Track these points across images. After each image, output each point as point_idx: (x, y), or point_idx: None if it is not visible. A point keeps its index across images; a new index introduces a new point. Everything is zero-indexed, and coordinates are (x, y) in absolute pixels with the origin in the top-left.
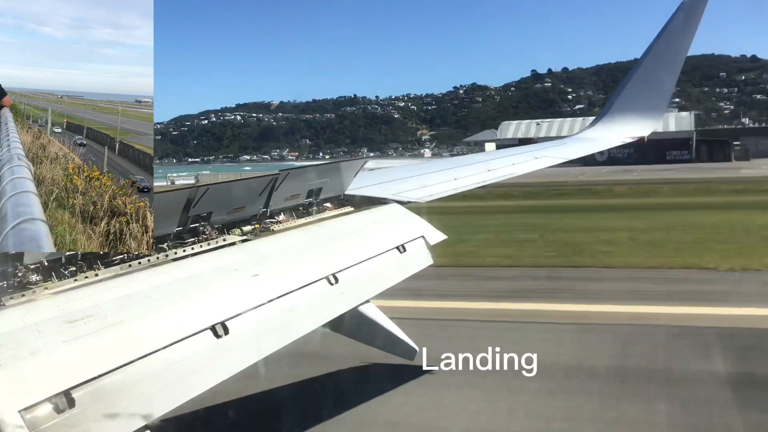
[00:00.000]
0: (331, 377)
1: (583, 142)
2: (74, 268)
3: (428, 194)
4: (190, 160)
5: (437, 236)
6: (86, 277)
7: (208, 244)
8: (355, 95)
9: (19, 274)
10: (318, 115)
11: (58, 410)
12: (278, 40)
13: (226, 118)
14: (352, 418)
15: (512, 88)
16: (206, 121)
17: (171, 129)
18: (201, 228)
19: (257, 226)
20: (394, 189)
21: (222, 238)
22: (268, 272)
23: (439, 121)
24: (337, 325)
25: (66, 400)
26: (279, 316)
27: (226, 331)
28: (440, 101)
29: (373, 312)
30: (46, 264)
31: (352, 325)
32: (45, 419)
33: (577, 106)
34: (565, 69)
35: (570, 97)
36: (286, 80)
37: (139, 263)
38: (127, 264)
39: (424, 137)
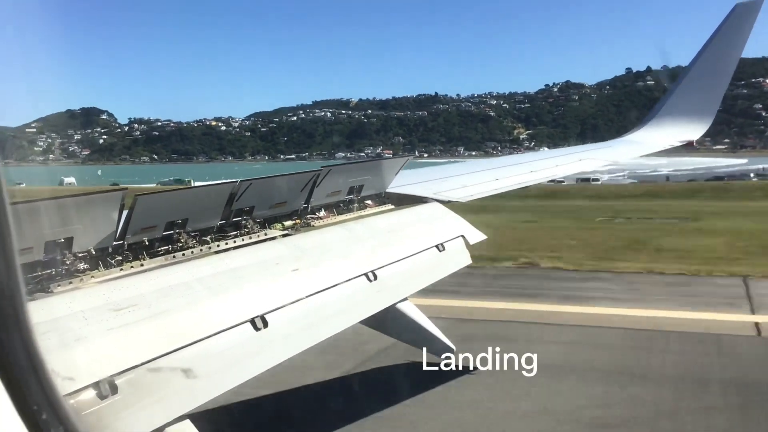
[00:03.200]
0: None
1: (629, 144)
2: (120, 258)
3: (469, 194)
4: (283, 157)
5: (477, 236)
6: (132, 267)
7: (250, 238)
8: (436, 93)
9: (68, 263)
10: (409, 112)
11: (102, 396)
12: (352, 38)
13: (315, 114)
14: None
15: (607, 87)
16: (295, 118)
17: (259, 125)
18: (243, 222)
19: (298, 221)
20: (435, 188)
21: (263, 232)
22: (307, 267)
23: (536, 120)
24: (374, 321)
25: (109, 386)
26: (318, 311)
27: (266, 324)
28: (533, 99)
29: (411, 310)
30: (93, 253)
31: (389, 321)
32: (88, 404)
33: None
34: (665, 67)
35: None
36: (362, 77)
37: (183, 255)
38: (171, 255)
39: (521, 136)
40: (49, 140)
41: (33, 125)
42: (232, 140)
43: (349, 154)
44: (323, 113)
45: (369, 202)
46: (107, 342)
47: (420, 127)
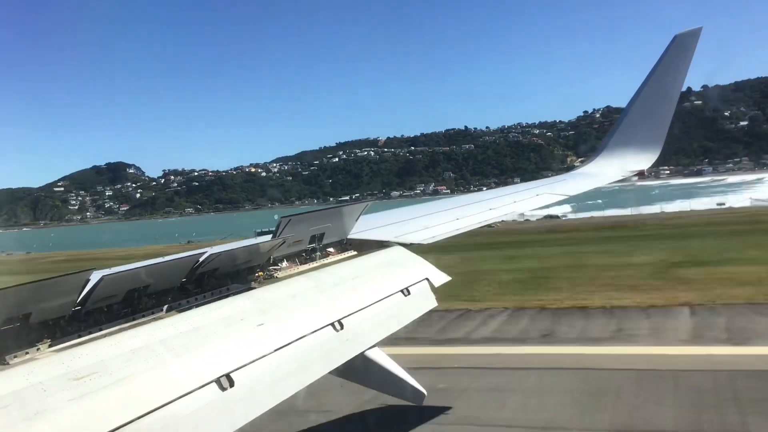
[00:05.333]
0: None
1: (583, 177)
2: (78, 324)
3: (431, 236)
4: (333, 199)
5: (441, 278)
6: (90, 333)
7: (212, 294)
8: (465, 126)
9: (24, 333)
10: (455, 146)
11: None
12: (375, 78)
13: (358, 154)
14: None
15: None
16: (336, 159)
17: (299, 169)
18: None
19: (261, 273)
20: (397, 231)
21: (225, 287)
22: (273, 321)
23: (584, 146)
24: (344, 371)
25: None
26: (285, 365)
27: (232, 383)
28: (576, 126)
29: (379, 357)
30: (50, 323)
31: (359, 370)
32: None
33: (741, 123)
34: (704, 86)
35: (727, 113)
36: (384, 116)
37: (143, 316)
38: (131, 318)
39: (575, 164)
40: (79, 198)
41: (60, 184)
42: (275, 185)
43: (403, 192)
44: (366, 153)
45: (331, 249)
46: (68, 413)
47: (470, 161)
